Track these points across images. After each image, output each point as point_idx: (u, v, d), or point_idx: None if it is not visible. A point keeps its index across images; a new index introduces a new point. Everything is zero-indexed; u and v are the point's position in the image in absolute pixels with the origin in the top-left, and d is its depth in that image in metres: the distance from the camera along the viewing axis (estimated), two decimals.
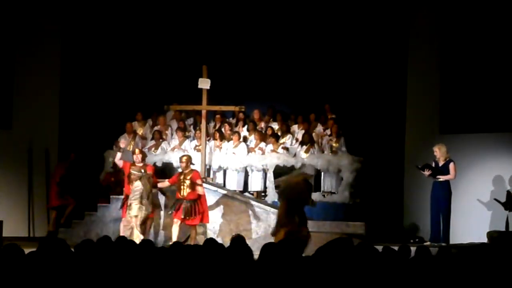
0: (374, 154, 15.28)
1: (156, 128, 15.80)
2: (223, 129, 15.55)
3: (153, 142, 15.46)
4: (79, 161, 15.50)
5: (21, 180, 15.83)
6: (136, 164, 13.03)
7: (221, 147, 15.09)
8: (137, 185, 12.76)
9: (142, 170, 12.92)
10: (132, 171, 12.86)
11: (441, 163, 12.98)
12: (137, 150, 13.40)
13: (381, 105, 15.79)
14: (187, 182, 12.96)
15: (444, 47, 15.17)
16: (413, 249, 7.39)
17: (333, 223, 13.65)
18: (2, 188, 15.67)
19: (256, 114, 16.03)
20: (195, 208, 12.90)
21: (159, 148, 15.21)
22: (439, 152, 13.00)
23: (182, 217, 12.84)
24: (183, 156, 13.42)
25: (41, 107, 15.95)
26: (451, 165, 12.93)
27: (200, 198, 13.00)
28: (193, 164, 13.56)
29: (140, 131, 15.85)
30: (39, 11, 16.07)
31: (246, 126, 15.82)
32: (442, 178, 12.90)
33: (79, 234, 13.60)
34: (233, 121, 16.16)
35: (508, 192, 13.91)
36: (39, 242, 6.14)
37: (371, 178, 15.07)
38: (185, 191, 12.93)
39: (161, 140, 15.44)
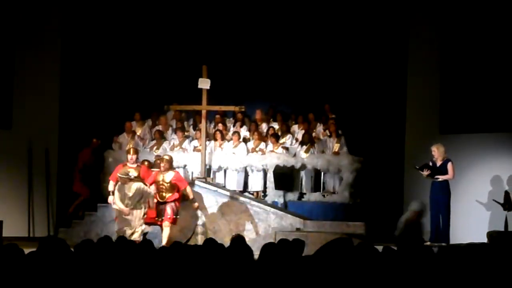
0: (374, 154, 15.28)
1: (157, 128, 15.80)
2: (220, 129, 15.55)
3: (153, 142, 15.45)
4: (103, 146, 15.43)
5: (21, 180, 15.82)
6: (129, 165, 12.66)
7: (222, 147, 15.08)
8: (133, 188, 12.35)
9: (131, 173, 12.53)
10: (119, 175, 12.43)
11: (439, 163, 12.97)
12: (132, 150, 12.95)
13: (381, 105, 15.79)
14: (166, 184, 12.61)
15: (444, 47, 15.17)
16: None
17: (333, 223, 13.67)
18: (2, 188, 15.66)
19: (258, 115, 16.02)
20: (171, 208, 12.60)
21: (160, 148, 15.17)
22: (437, 152, 12.99)
23: (156, 218, 12.57)
24: (166, 156, 13.05)
25: (41, 107, 15.93)
26: (449, 165, 12.92)
27: (177, 200, 12.72)
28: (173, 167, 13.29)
29: (138, 131, 15.85)
30: (39, 11, 16.06)
31: (244, 126, 15.82)
32: (440, 178, 12.90)
33: (79, 234, 13.59)
34: (233, 121, 16.16)
35: (506, 192, 13.91)
36: (39, 242, 6.14)
37: (371, 178, 15.07)
38: (164, 194, 12.60)
39: (162, 140, 15.42)
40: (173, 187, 12.65)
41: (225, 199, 13.95)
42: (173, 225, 12.76)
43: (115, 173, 12.67)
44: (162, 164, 12.76)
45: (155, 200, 12.61)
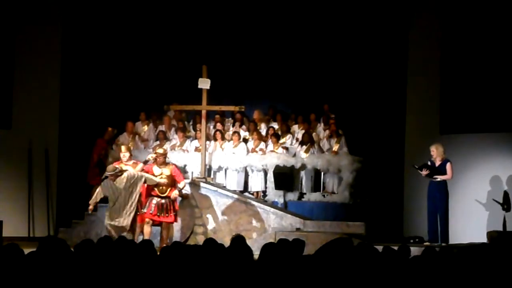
0: (374, 154, 15.27)
1: (160, 128, 15.81)
2: (219, 128, 15.55)
3: (157, 143, 15.40)
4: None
5: (21, 180, 15.81)
6: (125, 162, 12.52)
7: (223, 147, 15.08)
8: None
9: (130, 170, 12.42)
10: (107, 173, 12.19)
11: (437, 163, 12.98)
12: (123, 148, 12.72)
13: (381, 105, 15.79)
14: (166, 178, 12.42)
15: (444, 47, 15.17)
16: (413, 249, 7.40)
17: (333, 223, 13.66)
18: (2, 188, 15.66)
19: (255, 115, 16.01)
20: (171, 204, 12.45)
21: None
22: (436, 152, 12.99)
23: (158, 214, 12.33)
24: (160, 149, 12.89)
25: (41, 107, 15.93)
26: (448, 165, 12.93)
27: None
28: (168, 158, 13.17)
29: (143, 131, 15.86)
30: (39, 11, 16.06)
31: (243, 126, 15.82)
32: (439, 178, 12.90)
33: (79, 234, 13.58)
34: (232, 121, 16.16)
35: (505, 192, 13.92)
36: (39, 242, 6.13)
37: (371, 178, 15.07)
38: (165, 188, 12.37)
39: (165, 140, 15.42)
40: (173, 180, 12.52)
41: (225, 199, 13.94)
42: (174, 223, 12.76)
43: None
44: (157, 159, 12.58)
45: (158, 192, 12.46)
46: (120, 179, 12.14)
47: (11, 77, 16.08)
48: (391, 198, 15.26)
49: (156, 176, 12.45)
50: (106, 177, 12.32)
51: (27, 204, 15.75)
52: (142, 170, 12.45)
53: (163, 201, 12.43)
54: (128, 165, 12.52)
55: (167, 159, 12.97)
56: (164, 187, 12.44)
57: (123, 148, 12.79)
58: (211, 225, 13.82)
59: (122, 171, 12.21)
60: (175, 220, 12.75)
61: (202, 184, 14.00)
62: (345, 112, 15.79)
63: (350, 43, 16.17)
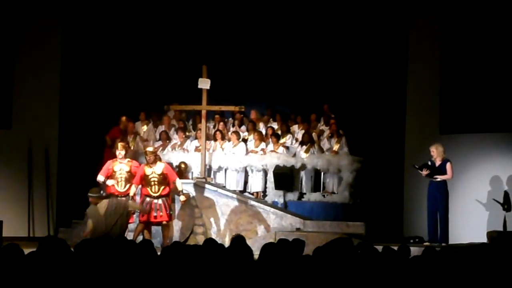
0: (374, 154, 15.27)
1: (162, 128, 15.81)
2: (220, 129, 15.55)
3: (159, 143, 15.39)
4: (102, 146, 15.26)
5: (21, 180, 15.81)
6: (119, 160, 12.51)
7: (223, 147, 15.08)
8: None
9: (124, 168, 12.40)
10: (90, 194, 11.91)
11: (437, 163, 12.98)
12: (120, 145, 12.64)
13: (381, 105, 15.78)
14: (159, 177, 12.26)
15: (444, 47, 15.16)
16: (413, 249, 7.41)
17: (333, 223, 13.66)
18: (2, 188, 15.66)
19: (252, 114, 16.00)
20: (166, 204, 12.32)
21: (166, 149, 15.14)
22: (436, 152, 13.00)
23: (155, 214, 12.22)
24: (149, 148, 12.79)
25: (41, 107, 15.93)
26: (448, 165, 12.93)
27: (169, 194, 12.46)
28: (158, 155, 13.09)
29: (142, 131, 15.86)
30: (39, 11, 16.06)
31: (243, 126, 15.82)
32: (439, 178, 12.91)
33: (79, 234, 13.53)
34: (232, 121, 16.16)
35: (505, 192, 13.92)
36: (39, 242, 6.13)
37: (371, 178, 15.07)
38: (157, 187, 12.27)
39: (168, 140, 15.43)
40: (165, 178, 12.38)
41: (225, 199, 13.94)
42: (171, 221, 12.74)
43: (105, 168, 12.57)
44: (147, 157, 12.46)
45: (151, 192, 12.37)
46: (101, 204, 11.85)
47: (11, 77, 16.09)
48: (391, 198, 15.26)
49: (148, 176, 12.31)
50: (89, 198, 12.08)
51: (27, 204, 15.74)
52: (134, 176, 12.43)
53: (155, 201, 12.31)
54: (123, 163, 12.51)
55: (160, 157, 12.96)
56: (156, 186, 12.33)
57: (119, 145, 12.76)
58: (211, 225, 13.82)
59: (105, 196, 12.06)
60: (171, 219, 12.65)
61: (202, 184, 13.99)
62: (345, 112, 15.79)
63: (350, 43, 16.17)
